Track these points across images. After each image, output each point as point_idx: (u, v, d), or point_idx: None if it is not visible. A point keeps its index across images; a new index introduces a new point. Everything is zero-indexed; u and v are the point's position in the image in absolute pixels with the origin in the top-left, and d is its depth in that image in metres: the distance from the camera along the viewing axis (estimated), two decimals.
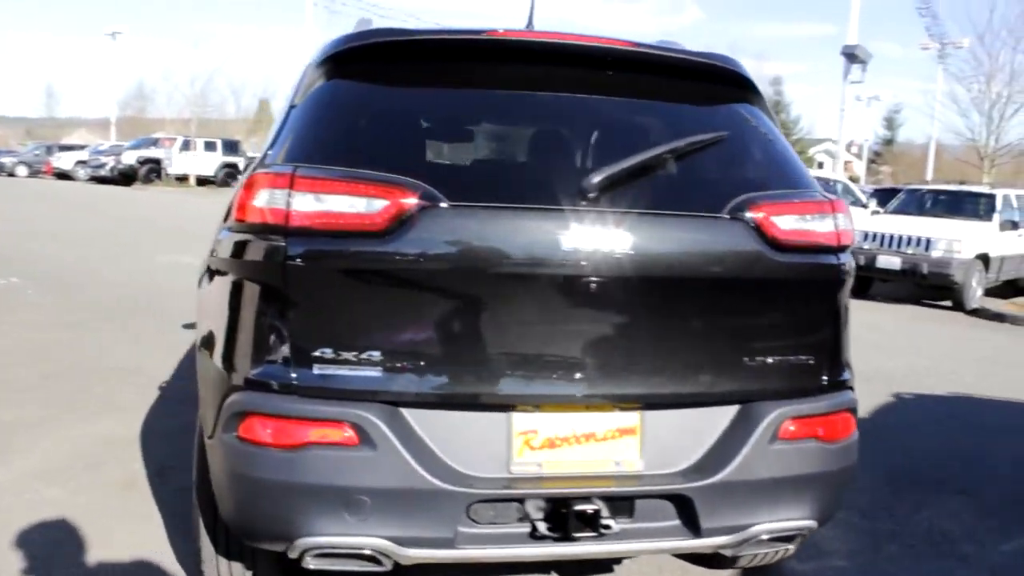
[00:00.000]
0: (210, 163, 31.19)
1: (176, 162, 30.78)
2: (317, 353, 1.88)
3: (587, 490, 1.99)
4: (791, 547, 2.32)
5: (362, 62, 2.14)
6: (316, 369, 1.88)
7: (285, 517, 1.90)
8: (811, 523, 2.16)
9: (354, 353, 1.88)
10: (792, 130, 39.51)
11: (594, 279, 1.94)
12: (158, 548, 2.87)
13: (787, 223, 2.09)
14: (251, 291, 1.95)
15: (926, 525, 3.42)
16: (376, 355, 1.89)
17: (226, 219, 2.21)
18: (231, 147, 32.40)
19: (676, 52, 2.29)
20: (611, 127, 2.23)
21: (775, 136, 2.34)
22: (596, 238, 1.93)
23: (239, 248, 2.00)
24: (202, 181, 30.80)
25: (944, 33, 29.32)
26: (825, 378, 2.18)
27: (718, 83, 2.33)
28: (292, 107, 2.23)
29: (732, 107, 2.33)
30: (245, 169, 4.24)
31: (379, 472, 1.88)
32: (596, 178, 1.95)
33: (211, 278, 2.25)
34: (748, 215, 2.06)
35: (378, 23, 2.48)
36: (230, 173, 30.03)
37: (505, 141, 2.20)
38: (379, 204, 1.87)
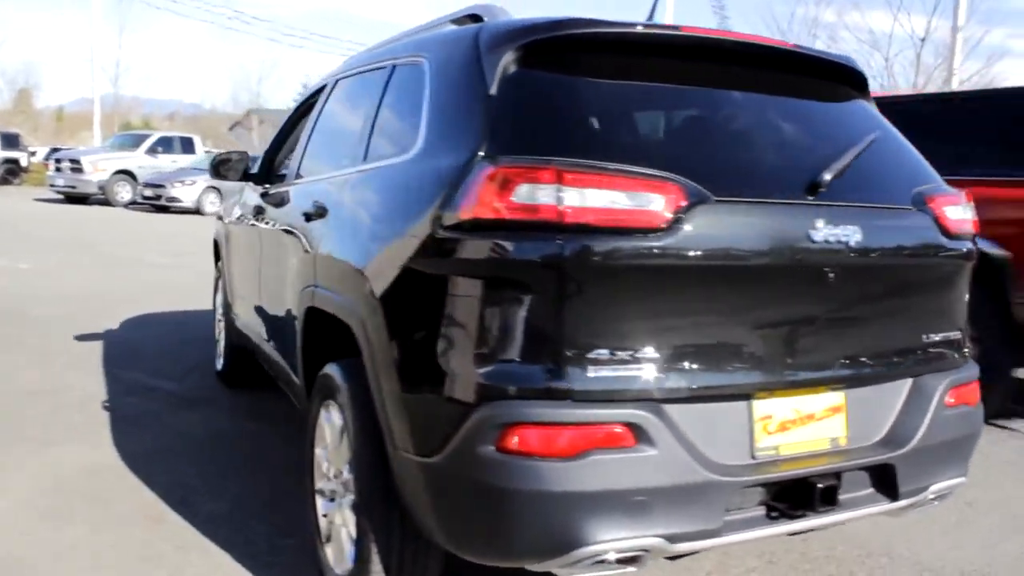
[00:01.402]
0: None
1: None
2: (590, 355, 1.78)
3: (821, 468, 2.03)
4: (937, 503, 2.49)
5: (566, 52, 2.04)
6: (590, 372, 1.78)
7: (564, 528, 1.77)
8: (964, 479, 2.36)
9: (626, 352, 1.81)
10: None
11: (826, 270, 2.01)
12: None
13: (954, 213, 2.30)
14: (512, 293, 1.77)
15: None
16: (646, 353, 1.82)
17: (414, 217, 1.99)
18: (11, 141, 28.81)
19: (824, 54, 2.40)
20: (797, 123, 2.30)
21: (896, 131, 2.50)
22: (828, 230, 1.99)
23: (490, 248, 1.79)
24: None
25: None
26: (965, 351, 2.39)
27: (850, 83, 2.48)
28: (461, 94, 2.09)
29: (865, 105, 2.48)
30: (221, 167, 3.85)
31: (658, 470, 1.81)
32: (826, 174, 2.02)
33: (421, 282, 1.95)
34: (927, 207, 2.24)
35: None
36: (11, 170, 26.71)
37: (722, 136, 2.18)
38: (657, 201, 1.80)
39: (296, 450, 3.64)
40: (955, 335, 2.34)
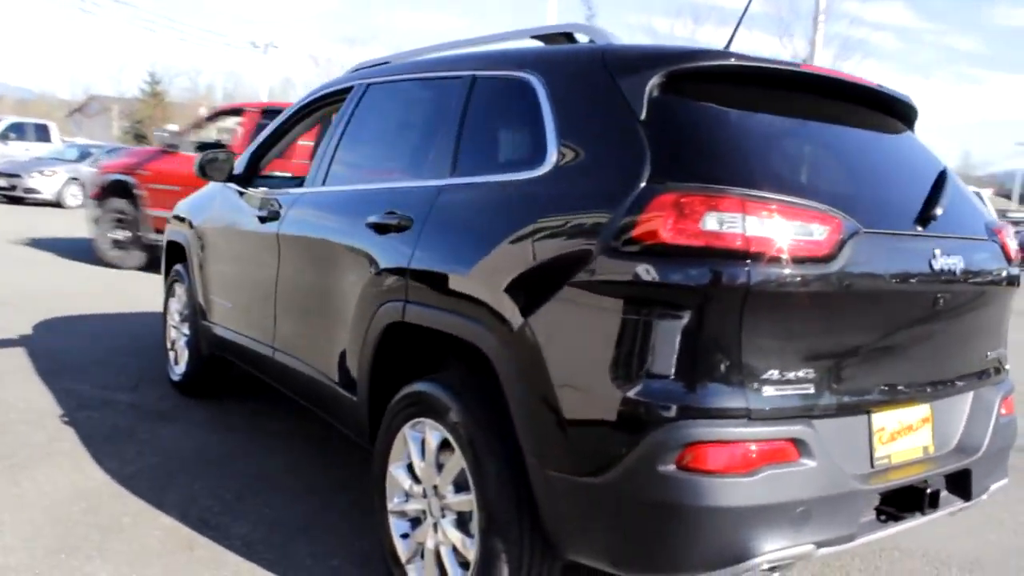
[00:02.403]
0: None
1: None
2: (763, 376, 1.88)
3: (923, 474, 2.21)
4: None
5: (705, 81, 2.12)
6: (764, 392, 1.88)
7: (736, 541, 1.85)
8: (1006, 480, 2.60)
9: (791, 372, 1.92)
10: None
11: (938, 295, 2.19)
12: None
13: (1011, 243, 2.55)
14: (693, 317, 1.82)
15: None
16: (804, 373, 1.94)
17: (567, 238, 2.00)
18: None
19: (896, 92, 2.57)
20: (891, 156, 2.48)
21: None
22: (943, 260, 2.18)
23: (673, 272, 1.83)
24: None
25: None
26: (1006, 366, 2.65)
27: (909, 120, 2.67)
28: (603, 119, 2.12)
29: (917, 139, 2.68)
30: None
31: (816, 482, 1.92)
32: (937, 208, 2.20)
33: (585, 303, 1.94)
34: (995, 237, 2.49)
35: None
36: None
37: (848, 168, 2.30)
38: (824, 231, 1.91)
39: (313, 468, 3.51)
40: (1002, 351, 2.60)
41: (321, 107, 3.65)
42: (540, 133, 2.23)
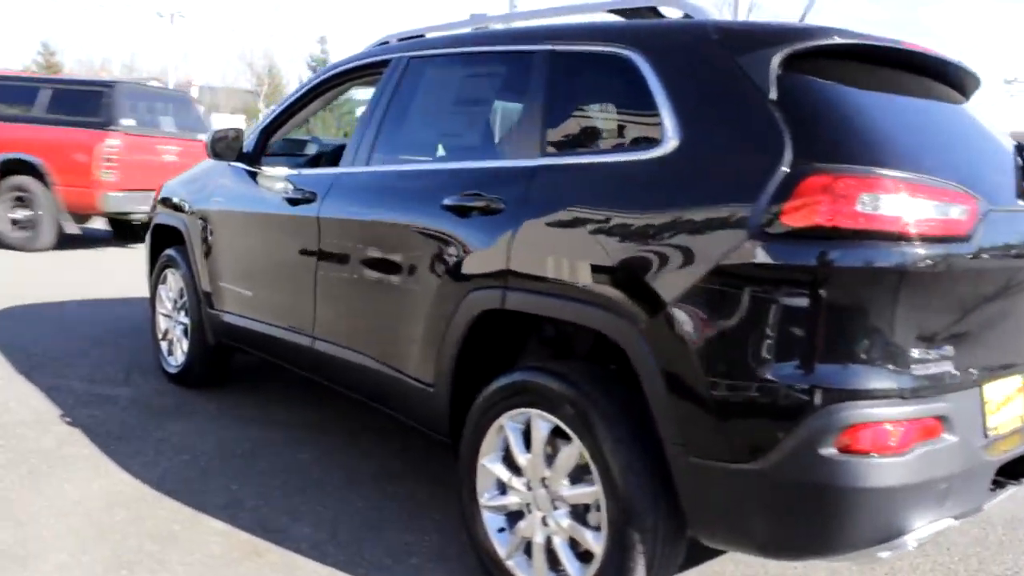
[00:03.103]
0: None
1: None
2: (913, 355, 1.89)
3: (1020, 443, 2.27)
4: None
5: (826, 60, 2.09)
6: (914, 370, 1.89)
7: (891, 519, 1.87)
8: None
9: (935, 351, 1.93)
10: None
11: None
12: None
13: None
14: (848, 299, 1.82)
15: None
16: (945, 350, 1.96)
17: (702, 220, 1.95)
18: None
19: (968, 66, 2.59)
20: (976, 132, 2.46)
21: None
22: None
23: (829, 254, 1.81)
24: None
25: None
26: None
27: (970, 90, 2.67)
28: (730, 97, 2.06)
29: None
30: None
31: (958, 456, 1.96)
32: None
33: (730, 287, 1.89)
34: None
35: None
36: None
37: (958, 146, 2.28)
38: (965, 210, 1.93)
39: (346, 459, 3.38)
40: None
41: (344, 82, 3.46)
42: (652, 113, 2.16)
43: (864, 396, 1.83)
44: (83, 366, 4.44)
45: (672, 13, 2.44)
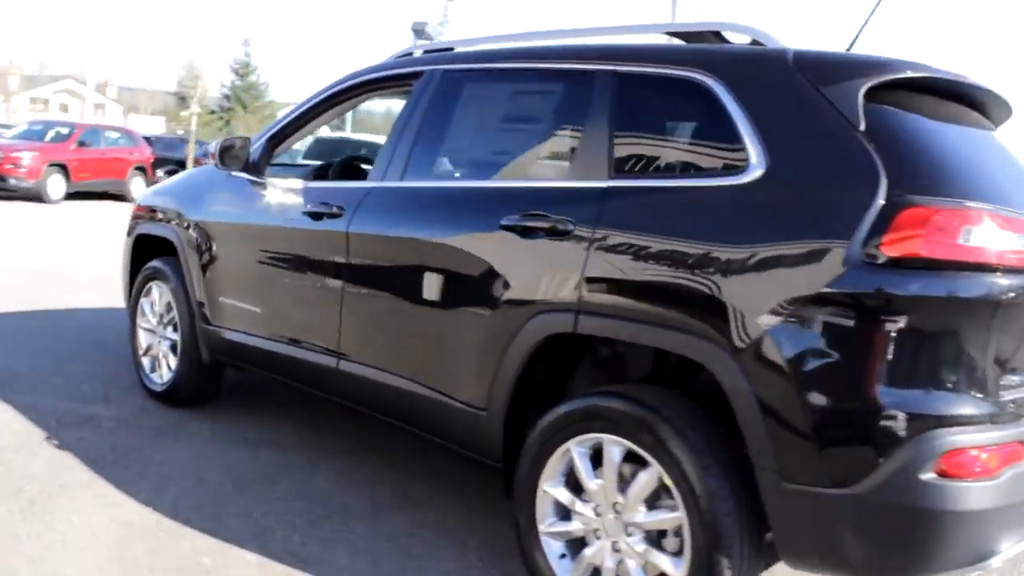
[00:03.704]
0: None
1: None
2: (1001, 381, 1.97)
3: None
4: None
5: (905, 91, 2.16)
6: (1003, 396, 1.97)
7: (982, 542, 1.95)
8: None
9: (1015, 376, 2.03)
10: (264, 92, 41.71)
11: None
12: None
13: None
14: (946, 328, 1.90)
15: None
16: (1020, 375, 2.05)
17: (795, 248, 1.97)
18: None
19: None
20: (1009, 160, 2.53)
21: None
22: None
23: (927, 286, 1.87)
24: None
25: None
26: None
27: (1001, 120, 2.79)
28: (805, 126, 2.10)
29: None
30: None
31: None
32: None
33: (827, 315, 1.92)
34: None
35: None
36: None
37: (1007, 175, 2.34)
38: None
39: (362, 482, 3.28)
40: None
41: (364, 93, 3.36)
42: (733, 139, 2.17)
43: (960, 422, 1.90)
44: (55, 383, 4.18)
45: (737, 38, 2.46)
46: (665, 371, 2.45)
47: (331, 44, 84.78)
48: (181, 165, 18.52)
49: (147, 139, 18.89)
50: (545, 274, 2.37)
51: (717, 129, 2.22)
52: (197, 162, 18.36)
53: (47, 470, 3.15)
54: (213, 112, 39.54)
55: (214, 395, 4.06)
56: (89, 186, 15.78)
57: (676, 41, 2.57)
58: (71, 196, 15.36)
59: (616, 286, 2.23)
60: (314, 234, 3.13)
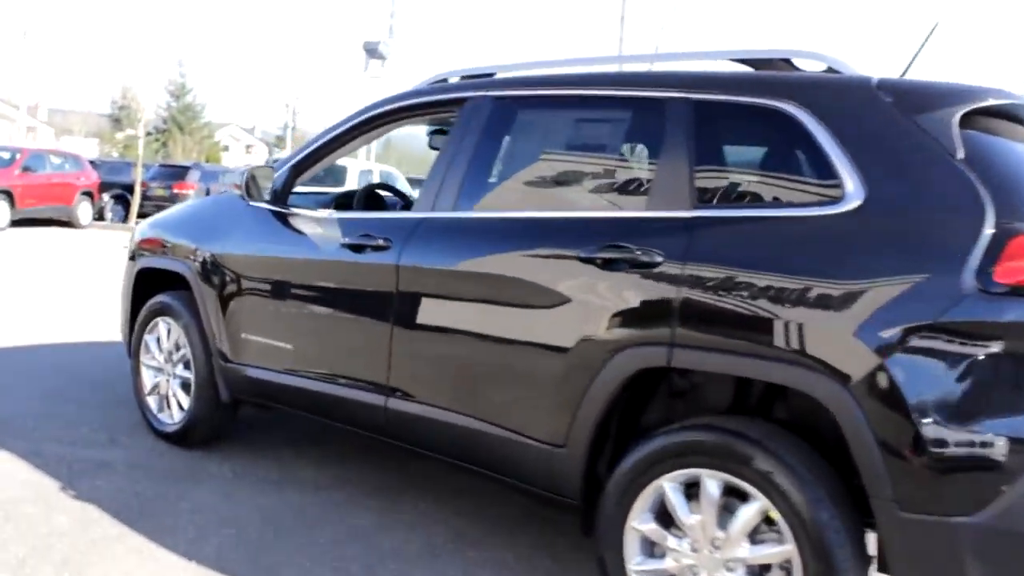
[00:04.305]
0: None
1: None
2: None
3: None
4: None
5: (991, 119, 2.17)
6: None
7: None
8: None
9: None
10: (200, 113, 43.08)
11: None
12: None
13: None
14: None
15: None
16: None
17: (905, 279, 1.98)
18: None
19: None
20: None
21: None
22: None
23: None
24: None
25: None
26: None
27: None
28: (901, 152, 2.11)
29: None
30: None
31: None
32: None
33: (941, 345, 1.93)
34: None
35: None
36: None
37: None
38: None
39: (410, 521, 3.17)
40: None
41: (398, 120, 3.26)
42: (825, 168, 2.17)
43: None
44: (55, 427, 3.94)
45: (808, 65, 2.46)
46: (748, 402, 2.42)
47: (267, 64, 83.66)
48: (128, 190, 17.90)
49: (92, 163, 18.24)
50: (632, 307, 2.32)
51: (805, 158, 2.21)
52: (144, 186, 17.75)
53: (73, 524, 2.95)
54: (150, 134, 38.64)
55: (227, 434, 3.88)
56: (35, 212, 15.15)
57: (743, 68, 2.55)
58: (16, 223, 14.73)
59: (715, 319, 2.19)
60: (357, 267, 3.01)
